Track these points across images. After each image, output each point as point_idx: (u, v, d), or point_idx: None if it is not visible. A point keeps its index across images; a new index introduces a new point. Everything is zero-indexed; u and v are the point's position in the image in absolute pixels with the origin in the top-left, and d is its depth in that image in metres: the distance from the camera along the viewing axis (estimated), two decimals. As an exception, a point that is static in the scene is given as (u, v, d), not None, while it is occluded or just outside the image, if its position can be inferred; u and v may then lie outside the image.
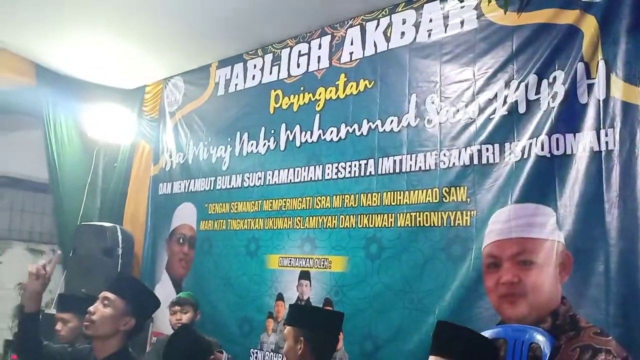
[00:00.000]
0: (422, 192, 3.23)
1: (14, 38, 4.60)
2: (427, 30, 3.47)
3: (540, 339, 2.46)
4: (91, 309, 2.29)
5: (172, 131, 5.01)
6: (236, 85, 4.60)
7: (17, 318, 3.68)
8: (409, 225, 3.24)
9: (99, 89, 5.30)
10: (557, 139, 2.81)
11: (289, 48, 4.26)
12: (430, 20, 3.47)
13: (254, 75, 4.48)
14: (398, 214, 3.31)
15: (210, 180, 4.54)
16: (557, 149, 2.81)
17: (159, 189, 5.00)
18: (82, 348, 2.58)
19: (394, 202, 3.35)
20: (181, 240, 4.66)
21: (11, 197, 4.99)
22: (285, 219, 3.92)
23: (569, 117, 2.80)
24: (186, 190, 4.72)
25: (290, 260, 3.83)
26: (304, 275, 3.70)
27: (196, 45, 4.55)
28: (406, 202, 3.29)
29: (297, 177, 3.92)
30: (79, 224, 4.90)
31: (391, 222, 3.33)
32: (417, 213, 3.22)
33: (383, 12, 3.72)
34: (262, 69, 4.43)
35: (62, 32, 4.42)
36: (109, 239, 4.51)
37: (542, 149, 2.83)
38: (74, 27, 4.30)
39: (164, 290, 4.40)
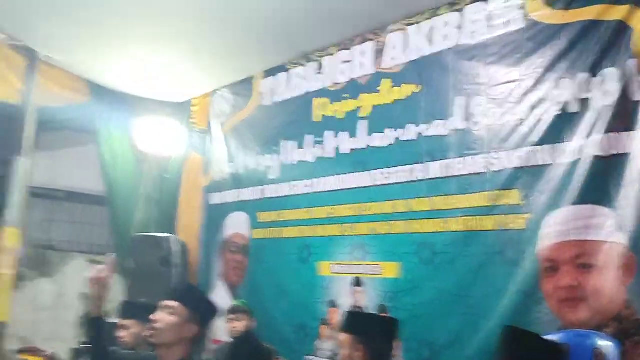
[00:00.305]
0: (474, 196, 3.21)
1: (68, 57, 4.81)
2: (471, 32, 3.45)
3: (604, 344, 2.39)
4: (156, 317, 2.36)
5: (221, 142, 5.12)
6: (281, 94, 4.67)
7: (84, 326, 3.85)
8: (462, 229, 3.23)
9: (150, 103, 5.48)
10: (612, 138, 2.75)
11: (331, 56, 4.29)
12: (474, 22, 3.44)
13: (298, 84, 4.54)
14: (450, 219, 3.30)
15: (260, 189, 4.61)
16: (612, 148, 2.74)
17: (211, 199, 5.10)
18: (147, 355, 2.68)
19: (445, 206, 3.34)
20: (234, 249, 4.75)
21: (70, 211, 5.19)
22: (335, 226, 3.95)
23: (622, 115, 2.74)
24: (237, 200, 4.81)
25: (342, 267, 3.86)
26: (357, 282, 3.72)
27: (241, 57, 4.65)
28: (458, 207, 3.28)
29: (346, 184, 3.95)
30: (135, 235, 5.08)
31: (443, 227, 3.32)
32: (470, 217, 3.20)
33: (424, 16, 3.70)
34: (306, 78, 4.49)
35: (114, 50, 4.60)
36: (164, 249, 4.66)
37: (597, 149, 2.77)
38: (124, 44, 4.48)
39: (219, 298, 4.47)
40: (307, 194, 4.21)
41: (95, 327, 2.47)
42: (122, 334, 3.34)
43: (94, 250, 5.25)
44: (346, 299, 3.76)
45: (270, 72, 4.79)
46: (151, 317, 2.40)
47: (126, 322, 3.35)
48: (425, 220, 3.42)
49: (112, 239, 5.31)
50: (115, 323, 3.44)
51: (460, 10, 3.52)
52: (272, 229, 4.44)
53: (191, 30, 4.21)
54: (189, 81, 5.15)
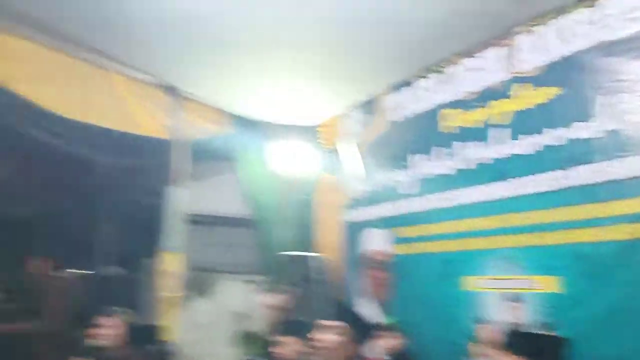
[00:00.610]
0: (635, 200, 2.98)
1: (208, 91, 5.20)
2: (609, 28, 3.24)
3: None
4: (321, 336, 2.49)
5: (355, 160, 5.24)
6: (410, 109, 4.70)
7: (244, 344, 4.12)
8: (626, 238, 2.99)
9: (284, 128, 5.77)
10: None
11: (456, 65, 4.26)
12: (610, 17, 3.23)
13: (426, 97, 4.54)
14: (610, 227, 3.08)
15: (398, 205, 4.64)
16: None
17: (349, 216, 5.22)
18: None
19: (601, 214, 3.13)
20: (376, 266, 4.80)
21: (220, 234, 5.60)
22: (478, 239, 3.87)
23: None
24: (375, 216, 4.88)
25: (489, 281, 3.76)
26: (512, 297, 3.59)
27: (367, 77, 4.77)
28: (617, 213, 3.06)
29: (487, 195, 3.85)
30: (280, 254, 5.34)
31: (603, 235, 3.10)
32: (635, 224, 2.96)
33: (551, 16, 3.56)
34: (433, 90, 4.47)
35: (249, 82, 4.92)
36: (309, 267, 4.87)
37: None
38: (258, 76, 4.77)
39: (366, 316, 4.51)
40: (447, 207, 4.15)
41: (261, 345, 2.65)
42: (279, 350, 3.52)
43: (243, 270, 5.57)
44: (500, 315, 3.61)
45: (397, 88, 4.84)
46: (317, 336, 2.53)
47: (285, 339, 3.52)
48: (581, 229, 3.23)
49: (258, 259, 5.61)
50: (272, 340, 3.64)
51: (592, 6, 3.33)
52: (413, 244, 4.44)
53: (317, 57, 4.40)
54: (318, 105, 5.38)
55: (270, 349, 3.57)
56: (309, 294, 4.70)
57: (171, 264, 4.90)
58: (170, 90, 5.11)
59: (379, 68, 4.60)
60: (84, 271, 5.24)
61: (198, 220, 5.29)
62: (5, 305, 5.86)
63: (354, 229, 5.11)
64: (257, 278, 5.33)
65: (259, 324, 4.17)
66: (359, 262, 5.00)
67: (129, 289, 5.22)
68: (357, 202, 5.13)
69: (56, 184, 5.41)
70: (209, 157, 5.47)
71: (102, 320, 3.53)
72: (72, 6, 3.75)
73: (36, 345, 4.91)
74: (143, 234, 5.33)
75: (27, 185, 5.35)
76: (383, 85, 4.93)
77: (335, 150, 5.53)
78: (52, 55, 4.29)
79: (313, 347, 2.51)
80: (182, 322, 4.87)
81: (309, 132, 5.83)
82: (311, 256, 5.02)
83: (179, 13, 3.81)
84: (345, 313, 2.63)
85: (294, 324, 3.57)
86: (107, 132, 4.63)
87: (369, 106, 5.18)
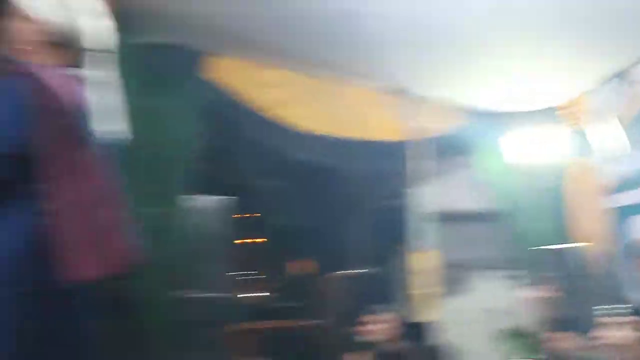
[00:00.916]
0: None
1: (443, 90, 5.20)
2: None
3: None
4: (609, 333, 2.32)
5: (614, 139, 4.73)
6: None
7: (510, 342, 4.04)
8: None
9: (520, 115, 5.50)
10: None
11: None
12: None
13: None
14: None
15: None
16: None
17: (615, 201, 4.78)
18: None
19: None
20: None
21: (468, 229, 5.57)
22: None
23: None
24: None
25: None
26: None
27: (616, 47, 4.28)
28: None
29: None
30: (537, 247, 5.08)
31: None
32: None
33: None
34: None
35: (479, 75, 4.81)
36: (572, 260, 4.55)
37: None
38: (487, 68, 4.62)
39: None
40: None
41: (530, 342, 2.57)
42: (554, 346, 3.37)
43: (498, 265, 5.48)
44: None
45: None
46: (603, 333, 2.37)
47: (558, 335, 3.38)
48: None
49: (512, 253, 5.45)
50: (543, 337, 3.50)
51: None
52: None
53: (550, 37, 4.11)
54: (559, 84, 4.99)
55: (542, 346, 3.43)
56: (574, 288, 4.38)
57: (425, 262, 5.03)
58: (404, 93, 5.23)
59: (630, 35, 4.10)
60: (349, 271, 5.68)
61: (446, 217, 5.35)
62: (278, 304, 6.69)
63: (622, 215, 4.65)
64: (515, 273, 5.15)
65: (523, 320, 4.04)
66: (633, 251, 4.49)
67: (385, 288, 5.52)
68: (623, 185, 4.65)
69: (313, 194, 6.02)
70: (448, 154, 5.50)
71: (376, 316, 3.75)
72: (307, 31, 4.11)
73: (311, 340, 5.48)
74: (392, 234, 5.60)
75: (291, 198, 6.06)
76: (635, 53, 4.37)
77: (584, 131, 5.07)
78: (298, 79, 4.79)
79: (597, 345, 2.33)
80: (442, 319, 4.94)
81: (550, 115, 5.44)
82: (571, 247, 4.67)
83: (404, 21, 3.91)
84: (633, 308, 2.38)
85: (567, 320, 3.39)
86: (352, 143, 4.99)
87: (622, 78, 4.63)
